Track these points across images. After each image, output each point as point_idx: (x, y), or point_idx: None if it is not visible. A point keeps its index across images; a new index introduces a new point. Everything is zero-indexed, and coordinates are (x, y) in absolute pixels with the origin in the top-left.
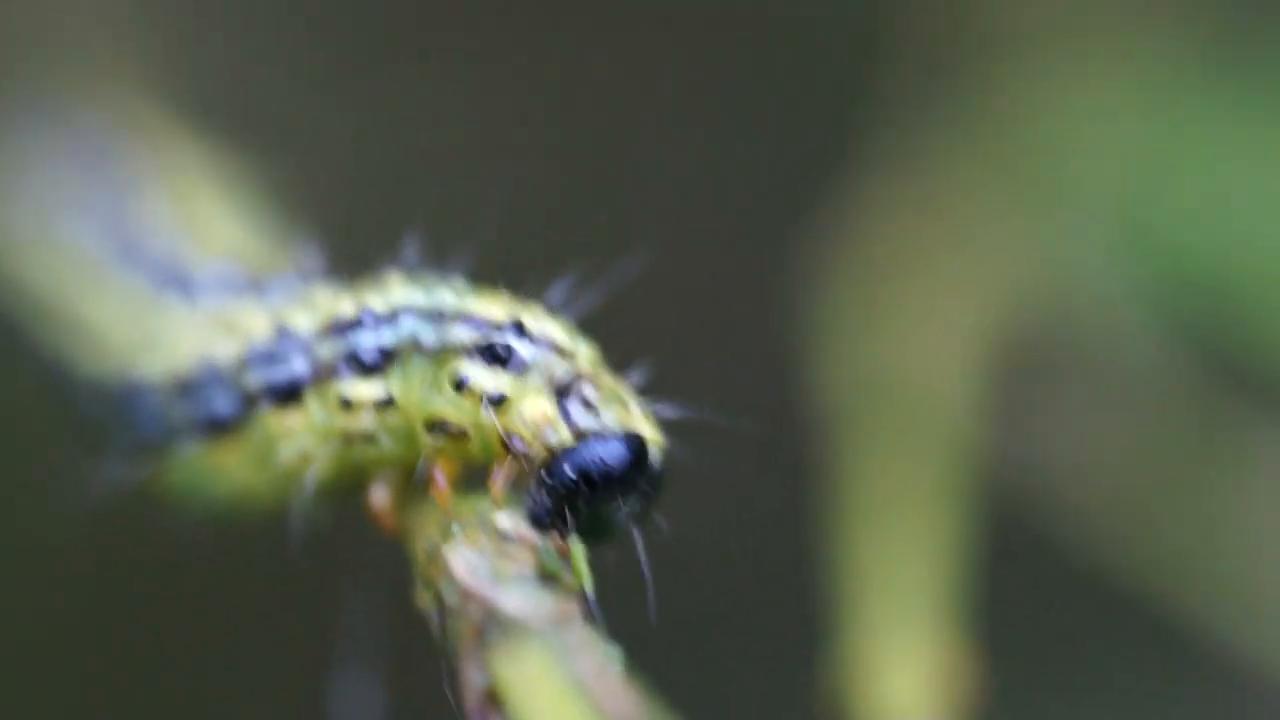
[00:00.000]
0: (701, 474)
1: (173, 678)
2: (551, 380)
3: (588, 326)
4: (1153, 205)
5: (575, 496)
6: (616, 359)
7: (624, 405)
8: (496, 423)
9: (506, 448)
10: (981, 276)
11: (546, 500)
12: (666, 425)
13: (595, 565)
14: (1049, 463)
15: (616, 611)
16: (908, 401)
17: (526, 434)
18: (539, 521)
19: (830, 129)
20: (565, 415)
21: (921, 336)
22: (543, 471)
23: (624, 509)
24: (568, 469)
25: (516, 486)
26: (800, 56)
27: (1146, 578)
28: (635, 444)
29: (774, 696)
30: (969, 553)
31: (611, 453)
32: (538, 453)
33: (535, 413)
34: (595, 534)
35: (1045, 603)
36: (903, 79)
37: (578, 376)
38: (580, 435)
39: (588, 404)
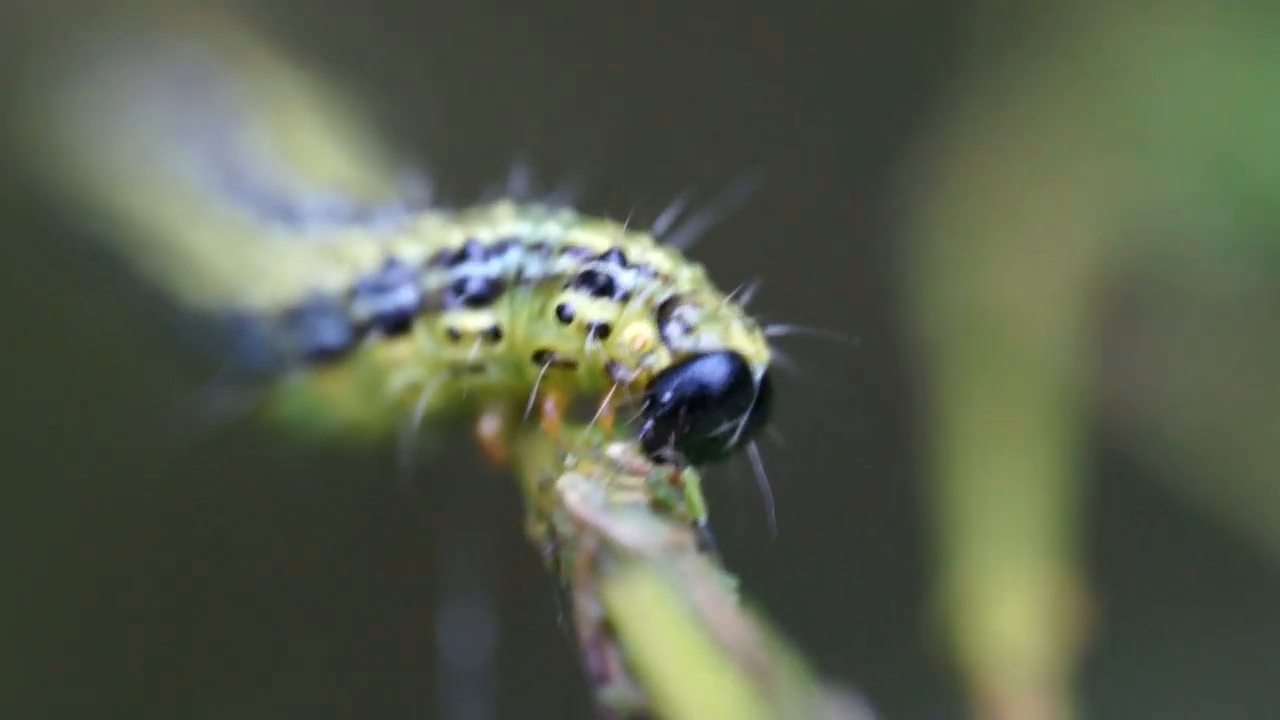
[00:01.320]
0: (809, 398)
1: (281, 608)
2: (652, 305)
3: (695, 254)
4: (1242, 140)
5: (678, 419)
6: (723, 285)
7: (725, 324)
8: (601, 351)
9: (611, 376)
10: (1076, 211)
11: (652, 425)
12: (774, 344)
13: (709, 493)
14: (1145, 397)
15: (729, 540)
16: (1007, 334)
17: (629, 360)
18: (649, 448)
19: (931, 63)
20: (664, 338)
21: (1019, 270)
22: (646, 397)
23: (732, 428)
24: (667, 392)
25: (627, 415)
26: None
27: (1241, 509)
28: (735, 362)
29: (883, 627)
30: (1071, 486)
31: (710, 372)
32: (640, 378)
33: (635, 338)
34: (707, 455)
35: (1146, 536)
36: (999, 12)
37: (677, 299)
38: (680, 357)
39: (687, 326)
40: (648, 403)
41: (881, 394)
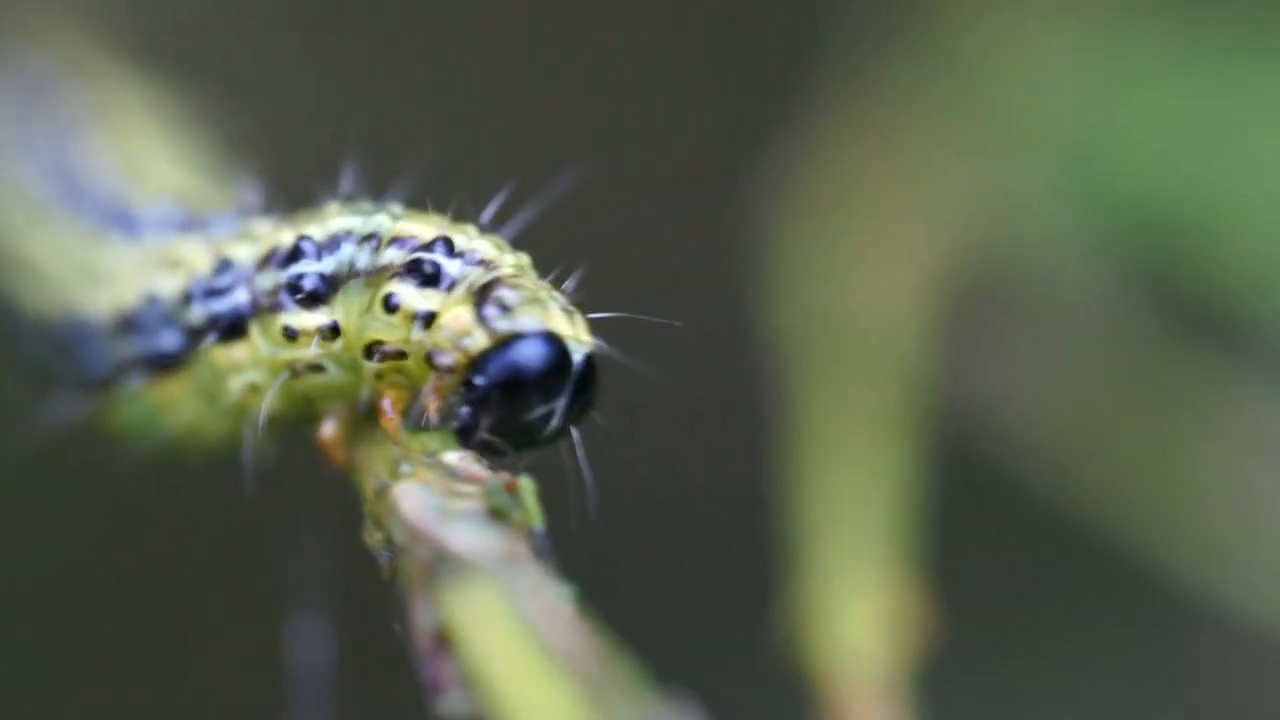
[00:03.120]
0: (654, 394)
1: (122, 617)
2: (473, 290)
3: (535, 245)
4: (1101, 141)
5: (494, 402)
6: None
7: (543, 306)
8: (426, 339)
9: (433, 363)
10: (931, 211)
11: (469, 411)
12: (607, 332)
13: (546, 499)
14: (998, 399)
15: (569, 545)
16: (857, 335)
17: (447, 344)
18: (466, 433)
19: (782, 62)
20: (482, 319)
21: (871, 271)
22: (464, 380)
23: (550, 412)
24: (482, 373)
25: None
26: None
27: (1094, 512)
28: (551, 343)
29: (728, 631)
30: (920, 490)
31: (525, 352)
32: (459, 360)
33: (453, 322)
34: (527, 441)
35: (995, 538)
36: (855, 12)
37: (498, 281)
38: (497, 338)
39: (505, 307)
40: (465, 386)
41: (731, 392)
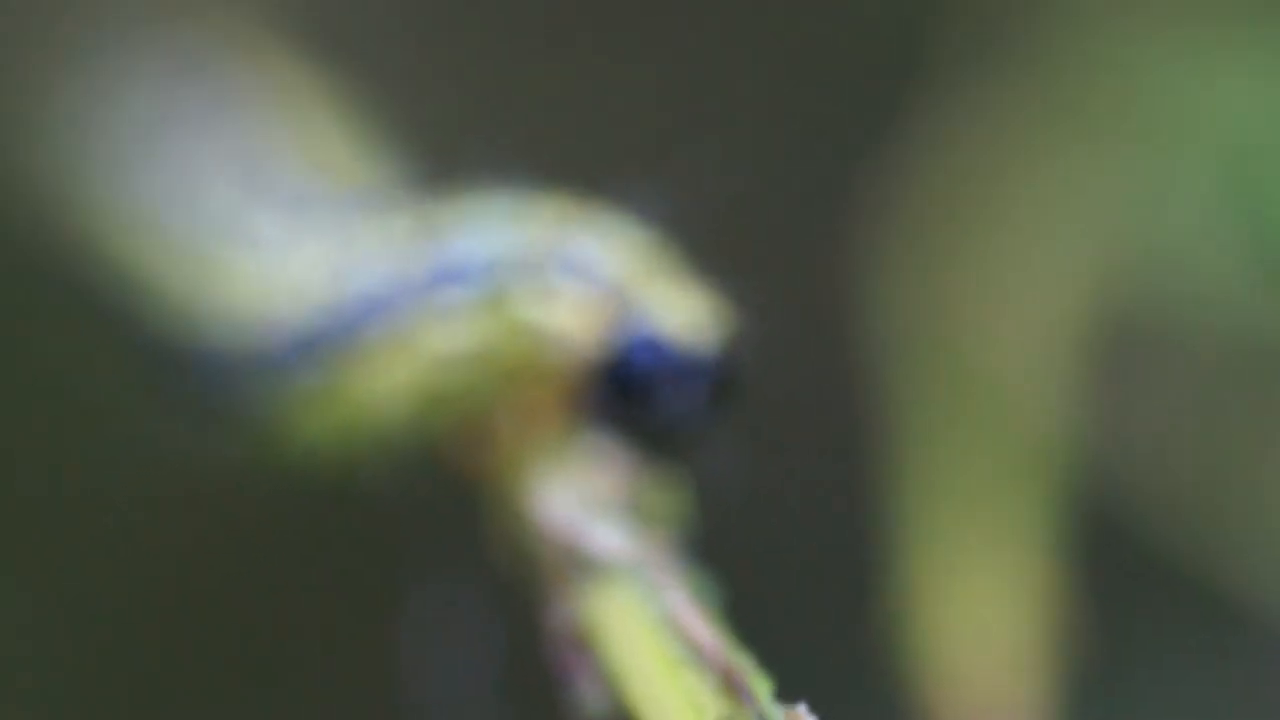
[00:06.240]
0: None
1: (262, 625)
2: (607, 299)
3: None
4: (1251, 171)
5: (621, 404)
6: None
7: (671, 311)
8: (556, 348)
9: (563, 372)
10: (1065, 242)
11: (600, 414)
12: (728, 335)
13: (683, 503)
14: (1133, 443)
15: (702, 549)
16: (980, 373)
17: (574, 352)
18: (600, 437)
19: (909, 77)
20: (607, 326)
21: (998, 304)
22: (591, 387)
23: (685, 415)
24: (607, 378)
25: (594, 419)
26: None
27: (1228, 564)
28: (669, 344)
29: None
30: (1050, 534)
31: (644, 355)
32: (585, 368)
33: (581, 330)
34: (661, 442)
35: (1129, 591)
36: (989, 28)
37: (629, 290)
38: (622, 343)
39: (635, 315)
40: (592, 393)
41: (839, 432)
